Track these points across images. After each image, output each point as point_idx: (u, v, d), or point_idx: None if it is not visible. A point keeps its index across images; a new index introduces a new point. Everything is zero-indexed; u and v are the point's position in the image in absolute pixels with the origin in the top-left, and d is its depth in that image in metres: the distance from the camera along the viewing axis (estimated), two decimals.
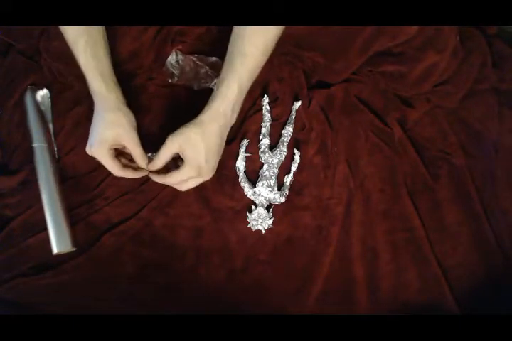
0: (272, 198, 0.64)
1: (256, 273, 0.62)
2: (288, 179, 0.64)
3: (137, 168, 0.60)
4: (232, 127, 0.59)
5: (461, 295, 0.60)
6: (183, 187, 0.58)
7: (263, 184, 0.64)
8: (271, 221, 0.63)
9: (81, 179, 0.65)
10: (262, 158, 0.65)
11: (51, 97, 0.68)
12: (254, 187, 0.64)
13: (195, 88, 0.69)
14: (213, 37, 0.69)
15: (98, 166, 0.64)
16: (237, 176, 0.65)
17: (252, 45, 0.55)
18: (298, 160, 0.65)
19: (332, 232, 0.62)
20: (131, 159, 0.60)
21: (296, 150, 0.65)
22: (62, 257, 0.60)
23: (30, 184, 0.63)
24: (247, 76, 0.56)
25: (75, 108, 0.68)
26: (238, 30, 0.56)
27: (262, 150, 0.66)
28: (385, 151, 0.66)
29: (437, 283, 0.60)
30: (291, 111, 0.68)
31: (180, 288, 0.61)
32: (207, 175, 0.57)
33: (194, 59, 0.69)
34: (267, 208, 0.64)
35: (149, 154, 0.60)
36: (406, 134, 0.67)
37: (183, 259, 0.62)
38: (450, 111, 0.68)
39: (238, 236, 0.63)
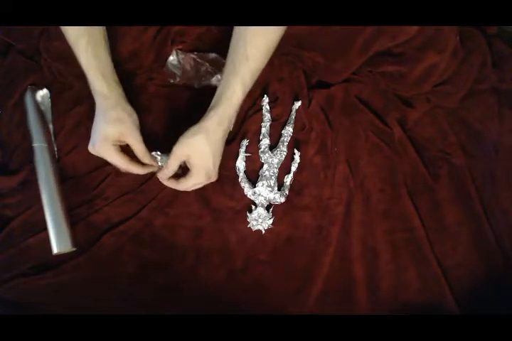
0: (272, 198, 0.64)
1: (256, 273, 0.62)
2: (288, 179, 0.64)
3: (143, 164, 0.60)
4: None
5: (461, 295, 0.60)
6: (190, 189, 0.59)
7: (263, 184, 0.64)
8: (271, 221, 0.63)
9: (81, 179, 0.65)
10: (262, 158, 0.65)
11: (51, 97, 0.68)
12: (254, 187, 0.64)
13: (196, 86, 0.69)
14: (213, 37, 0.69)
15: (98, 166, 0.64)
16: (237, 176, 0.65)
17: (254, 48, 0.55)
18: (298, 160, 0.65)
19: (332, 232, 0.62)
20: (133, 156, 0.60)
21: (296, 150, 0.65)
22: (62, 257, 0.60)
23: (30, 184, 0.63)
24: (250, 78, 0.57)
25: (75, 108, 0.68)
26: (239, 32, 0.56)
27: (262, 150, 0.66)
28: (385, 151, 0.66)
29: (437, 283, 0.60)
30: (291, 111, 0.68)
31: (180, 288, 0.61)
32: (214, 177, 0.58)
33: (194, 57, 0.69)
34: (267, 208, 0.64)
35: (153, 152, 0.60)
36: (406, 134, 0.67)
37: (183, 259, 0.62)
38: (450, 111, 0.68)
39: (238, 236, 0.63)
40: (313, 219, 0.63)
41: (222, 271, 0.62)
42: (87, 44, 0.57)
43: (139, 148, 0.57)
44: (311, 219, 0.63)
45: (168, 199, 0.63)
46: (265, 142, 0.66)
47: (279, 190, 0.64)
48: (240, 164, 0.65)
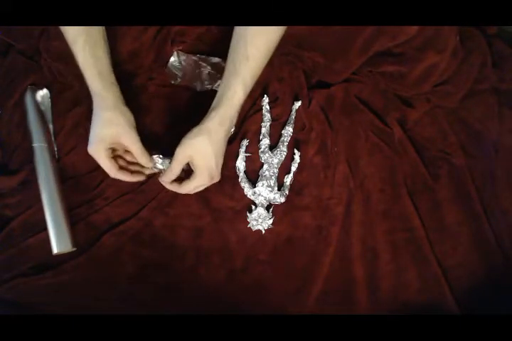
0: (272, 198, 0.64)
1: (256, 273, 0.62)
2: (288, 179, 0.64)
3: (134, 172, 0.60)
4: None
5: (461, 295, 0.60)
6: (193, 192, 0.59)
7: (263, 184, 0.64)
8: (271, 221, 0.63)
9: (81, 179, 0.65)
10: (262, 158, 0.65)
11: (51, 97, 0.68)
12: (254, 187, 0.64)
13: (198, 89, 0.69)
14: (213, 37, 0.69)
15: (98, 166, 0.64)
16: (237, 176, 0.65)
17: (255, 48, 0.55)
18: (298, 160, 0.65)
19: (332, 232, 0.62)
20: (129, 162, 0.60)
21: (296, 150, 0.65)
22: (62, 257, 0.60)
23: (30, 184, 0.63)
24: (251, 79, 0.57)
25: (74, 108, 0.68)
26: (240, 32, 0.56)
27: (262, 150, 0.66)
28: (385, 151, 0.66)
29: (437, 283, 0.60)
30: (291, 111, 0.68)
31: (180, 288, 0.61)
32: (217, 177, 0.58)
33: (196, 59, 0.69)
34: (267, 208, 0.64)
35: (155, 156, 0.60)
36: (406, 134, 0.67)
37: (183, 259, 0.62)
38: (450, 111, 0.68)
39: (238, 236, 0.63)
40: (313, 219, 0.63)
41: (222, 271, 0.62)
42: (84, 43, 0.56)
43: (135, 148, 0.57)
44: (311, 219, 0.63)
45: (168, 199, 0.63)
46: (265, 142, 0.66)
47: (279, 190, 0.64)
48: (240, 164, 0.65)
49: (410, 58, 0.65)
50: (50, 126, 0.67)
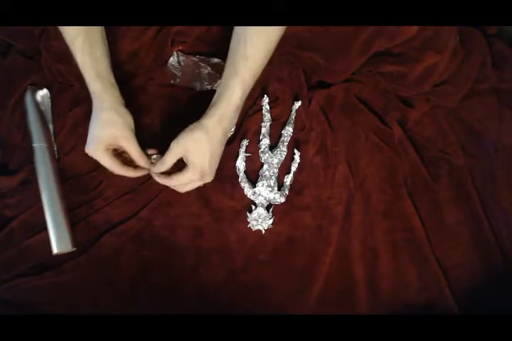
0: (272, 198, 0.64)
1: (256, 273, 0.62)
2: (288, 179, 0.64)
3: (137, 167, 0.60)
4: None
5: (461, 295, 0.60)
6: (183, 190, 0.59)
7: (263, 184, 0.64)
8: (271, 221, 0.63)
9: (81, 179, 0.65)
10: (262, 158, 0.65)
11: (51, 97, 0.68)
12: (254, 187, 0.64)
13: (198, 89, 0.69)
14: (213, 37, 0.69)
15: (98, 166, 0.64)
16: (237, 176, 0.65)
17: (254, 48, 0.55)
18: (298, 160, 0.65)
19: (332, 232, 0.62)
20: (130, 159, 0.60)
21: (296, 150, 0.65)
22: (62, 257, 0.60)
23: (30, 184, 0.63)
24: (250, 78, 0.56)
25: (74, 108, 0.68)
26: (239, 32, 0.56)
27: (262, 150, 0.66)
28: (385, 151, 0.66)
29: (437, 283, 0.60)
30: (291, 111, 0.68)
31: (180, 288, 0.61)
32: (208, 178, 0.57)
33: (196, 60, 0.69)
34: (267, 208, 0.64)
35: (155, 156, 0.60)
36: (406, 134, 0.67)
37: (183, 259, 0.62)
38: (450, 111, 0.68)
39: (238, 236, 0.63)
40: (313, 219, 0.63)
41: (222, 271, 0.62)
42: (83, 43, 0.56)
43: (133, 150, 0.57)
44: (311, 219, 0.63)
45: (168, 199, 0.63)
46: (265, 142, 0.66)
47: (279, 190, 0.64)
48: (240, 164, 0.65)
49: (410, 58, 0.65)
50: (50, 126, 0.67)
